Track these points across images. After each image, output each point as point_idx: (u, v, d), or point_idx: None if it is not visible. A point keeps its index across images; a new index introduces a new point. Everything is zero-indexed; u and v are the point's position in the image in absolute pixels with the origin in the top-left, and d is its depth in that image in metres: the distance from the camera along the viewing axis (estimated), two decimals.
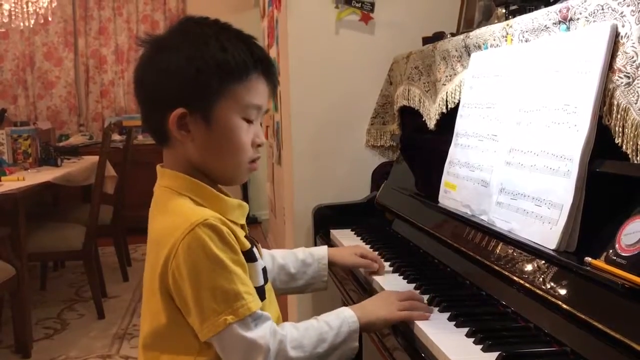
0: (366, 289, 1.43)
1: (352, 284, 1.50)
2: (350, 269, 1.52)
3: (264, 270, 1.12)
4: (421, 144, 1.91)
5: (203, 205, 1.03)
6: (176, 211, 1.02)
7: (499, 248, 1.19)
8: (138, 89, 1.08)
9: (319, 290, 1.39)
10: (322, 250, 1.40)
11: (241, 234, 1.05)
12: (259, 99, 1.06)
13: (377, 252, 1.62)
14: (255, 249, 1.10)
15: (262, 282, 1.08)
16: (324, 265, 1.37)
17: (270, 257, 1.34)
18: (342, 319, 1.09)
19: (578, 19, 1.10)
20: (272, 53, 3.11)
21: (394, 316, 1.13)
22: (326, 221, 2.03)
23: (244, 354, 0.98)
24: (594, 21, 1.06)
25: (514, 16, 1.42)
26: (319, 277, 1.37)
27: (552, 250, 1.05)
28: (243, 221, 1.11)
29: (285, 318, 1.11)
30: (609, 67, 1.00)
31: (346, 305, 1.55)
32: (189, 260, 0.97)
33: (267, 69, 1.06)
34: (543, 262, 1.06)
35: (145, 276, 1.06)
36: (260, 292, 1.05)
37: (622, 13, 0.98)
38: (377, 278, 1.41)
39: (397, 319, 1.13)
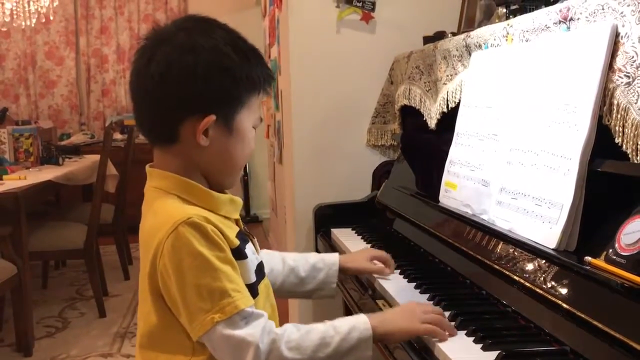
0: (366, 288, 1.43)
1: (352, 283, 1.50)
2: (361, 274, 1.47)
3: (260, 265, 1.11)
4: (422, 144, 1.91)
5: (192, 203, 1.03)
6: (160, 211, 1.02)
7: (499, 247, 1.20)
8: (157, 84, 1.01)
9: (326, 297, 1.36)
10: (334, 257, 1.37)
11: (230, 232, 1.04)
12: (261, 109, 1.09)
13: None
14: (250, 244, 1.10)
15: (253, 279, 1.06)
16: (334, 271, 1.34)
17: (280, 259, 1.33)
18: (353, 325, 1.03)
19: (578, 18, 1.11)
20: (274, 52, 3.11)
21: (415, 328, 1.06)
22: (327, 220, 2.03)
23: (233, 353, 0.96)
24: (594, 21, 1.06)
25: (515, 16, 1.42)
26: (328, 283, 1.34)
27: (552, 249, 1.06)
28: (236, 216, 1.10)
29: (285, 319, 1.09)
30: (609, 66, 1.01)
31: (348, 305, 1.56)
32: (174, 259, 0.96)
33: (270, 83, 1.10)
34: (543, 261, 1.06)
35: (140, 276, 1.06)
36: (252, 290, 1.04)
37: (622, 13, 0.98)
38: (378, 277, 1.41)
39: (419, 331, 1.06)
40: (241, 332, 0.96)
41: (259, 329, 0.97)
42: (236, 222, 1.10)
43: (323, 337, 1.01)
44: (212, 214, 1.02)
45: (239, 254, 1.03)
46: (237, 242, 1.03)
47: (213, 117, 1.01)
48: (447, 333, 1.05)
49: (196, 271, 0.96)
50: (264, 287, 1.11)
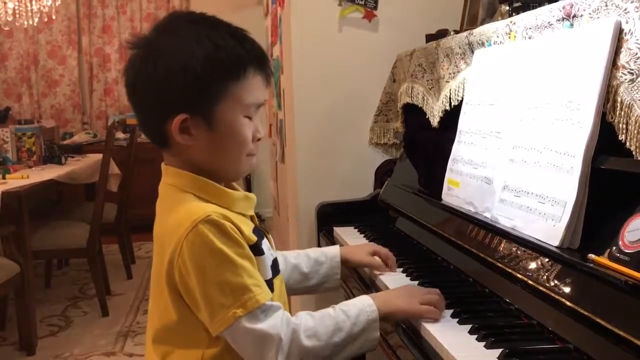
0: (369, 287, 1.43)
1: (355, 282, 1.50)
2: (361, 267, 1.49)
3: (275, 262, 1.12)
4: (424, 142, 1.90)
5: (208, 201, 1.04)
6: (179, 209, 1.02)
7: (502, 245, 1.19)
8: (131, 95, 1.05)
9: (332, 289, 1.38)
10: (335, 249, 1.39)
11: (247, 228, 1.05)
12: (258, 95, 1.06)
13: None
14: (265, 240, 1.11)
15: (269, 275, 1.08)
16: (336, 263, 1.36)
17: (282, 258, 1.34)
18: (360, 307, 1.07)
19: (582, 15, 1.10)
20: (276, 51, 3.11)
21: (414, 309, 1.11)
22: (329, 219, 2.03)
23: (256, 346, 0.98)
24: (598, 18, 1.05)
25: (518, 13, 1.42)
26: (332, 275, 1.36)
27: (556, 247, 1.05)
28: (251, 212, 1.11)
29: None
30: (613, 63, 1.00)
31: None
32: (193, 257, 0.97)
33: (262, 62, 1.05)
34: (546, 259, 1.06)
35: (153, 272, 1.07)
36: (268, 286, 1.05)
37: (625, 9, 0.98)
38: (380, 275, 1.41)
39: (418, 312, 1.11)
40: (263, 325, 0.98)
41: (279, 320, 0.99)
42: (251, 218, 1.11)
43: (336, 322, 1.04)
44: (228, 211, 1.03)
45: (257, 250, 1.05)
46: (254, 238, 1.05)
47: (183, 116, 1.00)
48: (442, 313, 1.10)
49: (217, 268, 0.97)
50: (278, 282, 1.13)
